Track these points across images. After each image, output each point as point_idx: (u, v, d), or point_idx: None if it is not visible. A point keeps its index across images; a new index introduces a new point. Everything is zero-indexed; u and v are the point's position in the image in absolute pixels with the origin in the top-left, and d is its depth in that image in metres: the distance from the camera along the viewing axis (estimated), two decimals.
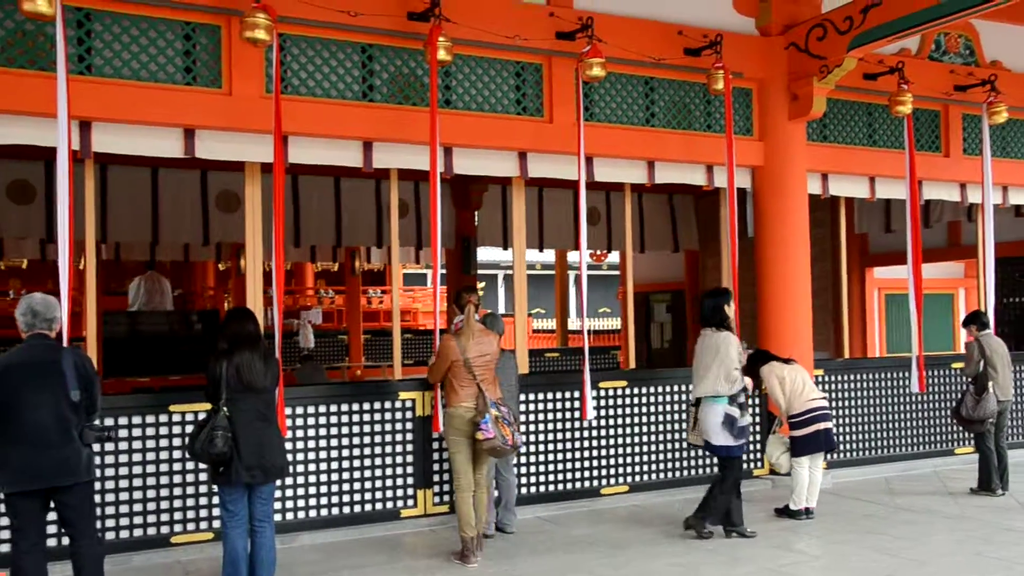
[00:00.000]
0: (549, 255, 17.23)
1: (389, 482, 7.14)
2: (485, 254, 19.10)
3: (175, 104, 6.40)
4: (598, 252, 20.30)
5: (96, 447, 5.32)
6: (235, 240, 11.09)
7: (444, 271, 15.57)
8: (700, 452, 8.45)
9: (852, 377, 9.31)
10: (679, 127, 8.41)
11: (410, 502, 7.21)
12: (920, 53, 9.58)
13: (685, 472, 8.41)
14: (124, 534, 6.26)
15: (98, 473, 6.15)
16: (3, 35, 6.01)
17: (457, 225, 13.07)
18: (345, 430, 7.01)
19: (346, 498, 6.99)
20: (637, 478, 8.17)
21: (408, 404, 7.23)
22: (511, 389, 6.83)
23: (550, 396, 7.82)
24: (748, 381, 6.91)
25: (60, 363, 4.78)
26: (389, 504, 7.13)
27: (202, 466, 6.26)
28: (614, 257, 21.64)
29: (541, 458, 7.77)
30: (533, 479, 7.72)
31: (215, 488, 5.44)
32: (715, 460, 7.19)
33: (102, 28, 6.28)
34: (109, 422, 6.23)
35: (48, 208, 9.58)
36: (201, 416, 5.69)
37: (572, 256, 17.47)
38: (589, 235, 12.76)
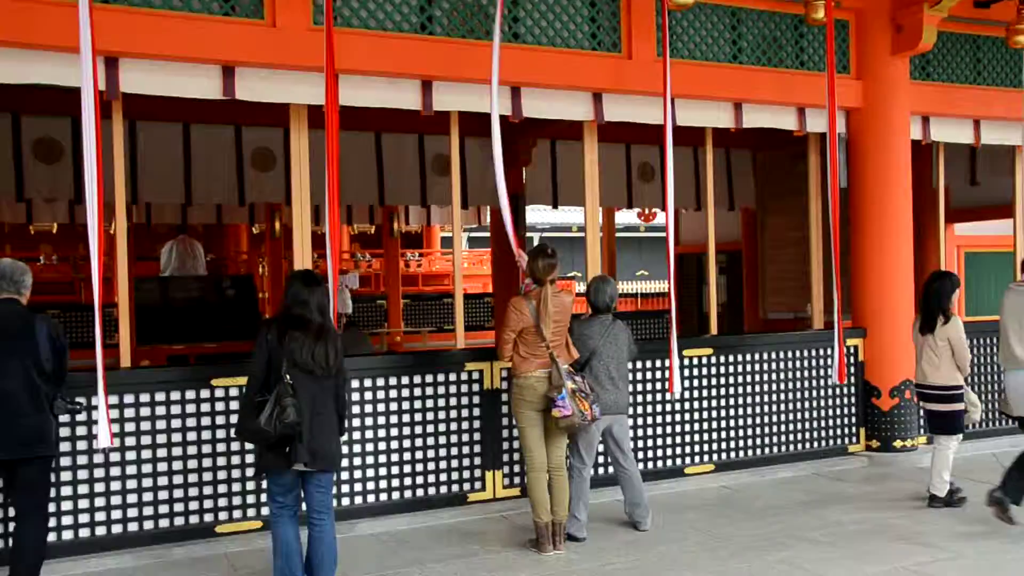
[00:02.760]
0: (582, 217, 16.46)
1: (455, 463, 6.41)
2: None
3: (212, 37, 5.63)
4: (648, 211, 19.50)
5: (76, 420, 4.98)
6: (271, 200, 10.43)
7: (488, 233, 14.85)
8: (798, 427, 7.66)
9: None
10: (769, 64, 7.52)
11: (477, 485, 6.48)
12: None
13: (776, 448, 7.62)
14: (164, 523, 5.58)
15: (132, 456, 5.50)
16: None
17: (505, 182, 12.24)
18: (405, 405, 6.27)
19: (407, 481, 6.27)
20: (724, 455, 7.41)
21: (475, 376, 6.47)
22: (622, 365, 5.96)
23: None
24: None
25: (33, 330, 4.55)
26: (455, 487, 6.41)
27: (248, 447, 5.58)
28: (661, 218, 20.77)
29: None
30: (602, 458, 6.95)
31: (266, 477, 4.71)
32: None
33: None
34: (145, 397, 5.56)
35: (76, 168, 8.94)
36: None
37: (620, 216, 16.67)
38: (642, 193, 12.06)
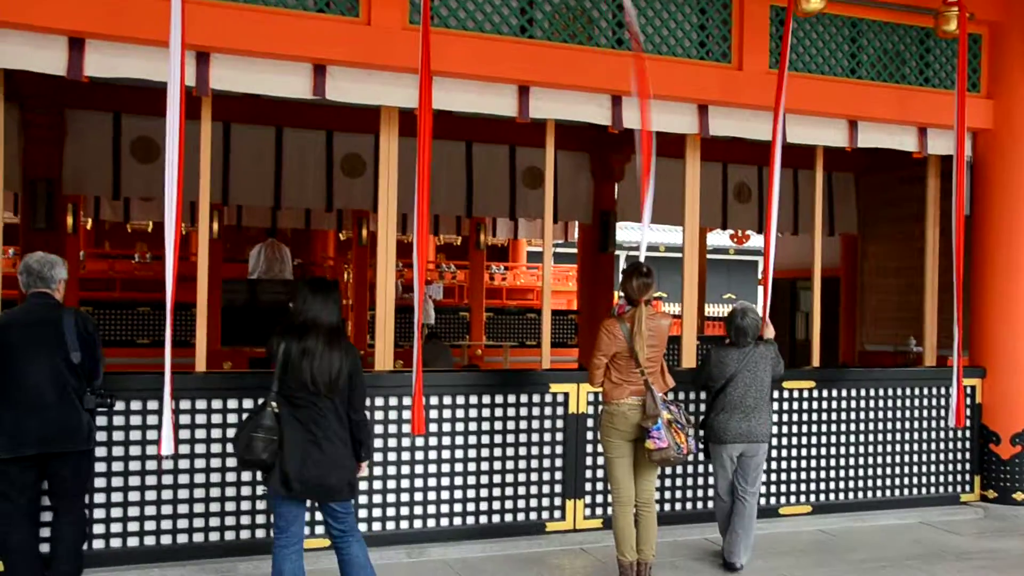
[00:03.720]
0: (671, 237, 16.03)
1: (534, 489, 6.07)
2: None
3: (304, 34, 5.43)
4: (740, 233, 18.89)
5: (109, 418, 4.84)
6: (359, 207, 10.33)
7: (574, 250, 14.53)
8: (904, 471, 7.08)
9: None
10: (890, 80, 7.01)
11: (556, 514, 6.12)
12: None
13: (879, 493, 7.05)
14: (229, 536, 5.37)
15: (201, 464, 5.31)
16: None
17: (595, 198, 11.91)
18: (485, 425, 5.96)
19: (483, 506, 5.95)
20: (822, 497, 6.89)
21: (559, 399, 6.13)
22: (760, 393, 5.60)
23: None
24: None
25: (60, 323, 4.45)
26: (532, 515, 6.06)
27: None
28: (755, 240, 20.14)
29: (701, 468, 6.56)
30: (690, 492, 6.53)
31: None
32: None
33: None
34: (217, 404, 5.37)
35: None
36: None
37: (712, 238, 16.19)
38: (737, 214, 11.65)
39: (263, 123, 8.91)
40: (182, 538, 5.27)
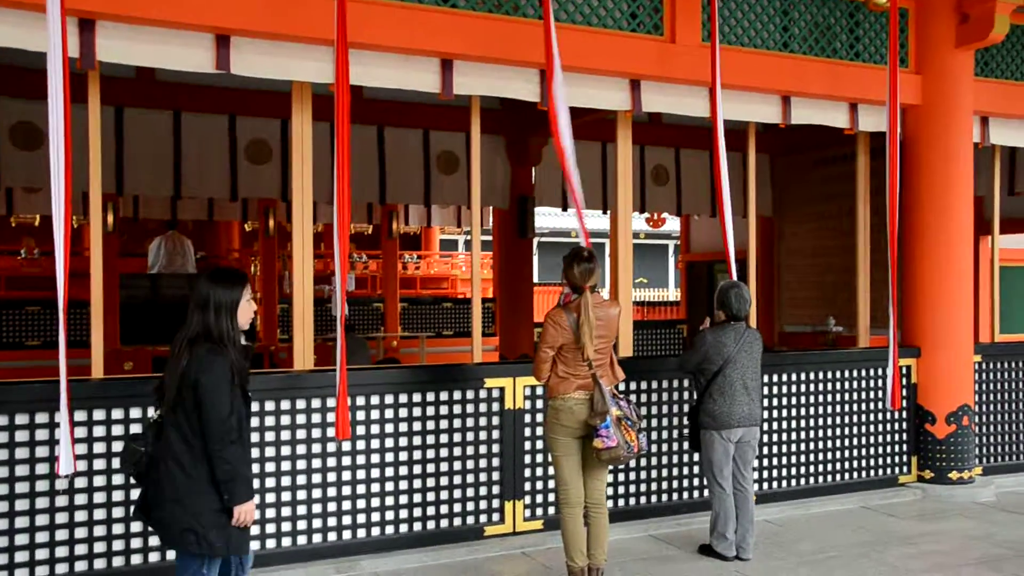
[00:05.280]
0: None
1: (470, 492, 5.68)
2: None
3: None
4: (656, 216, 18.84)
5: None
6: (265, 195, 9.74)
7: (489, 237, 14.18)
8: (844, 455, 6.95)
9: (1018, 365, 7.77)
10: (821, 54, 6.82)
11: (495, 517, 5.74)
12: None
13: (819, 479, 6.90)
14: (136, 559, 4.80)
15: (101, 482, 4.74)
16: None
17: (512, 182, 11.55)
18: (417, 426, 5.53)
19: (416, 512, 5.53)
20: (765, 486, 6.69)
21: (495, 394, 5.74)
22: (756, 375, 5.53)
23: (666, 384, 6.33)
24: None
25: None
26: (470, 520, 5.67)
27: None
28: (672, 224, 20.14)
29: (644, 461, 6.30)
30: (633, 488, 6.25)
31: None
32: None
33: None
34: (118, 413, 4.79)
35: None
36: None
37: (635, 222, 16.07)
38: (655, 196, 11.54)
39: (159, 107, 8.23)
40: (80, 566, 4.69)
